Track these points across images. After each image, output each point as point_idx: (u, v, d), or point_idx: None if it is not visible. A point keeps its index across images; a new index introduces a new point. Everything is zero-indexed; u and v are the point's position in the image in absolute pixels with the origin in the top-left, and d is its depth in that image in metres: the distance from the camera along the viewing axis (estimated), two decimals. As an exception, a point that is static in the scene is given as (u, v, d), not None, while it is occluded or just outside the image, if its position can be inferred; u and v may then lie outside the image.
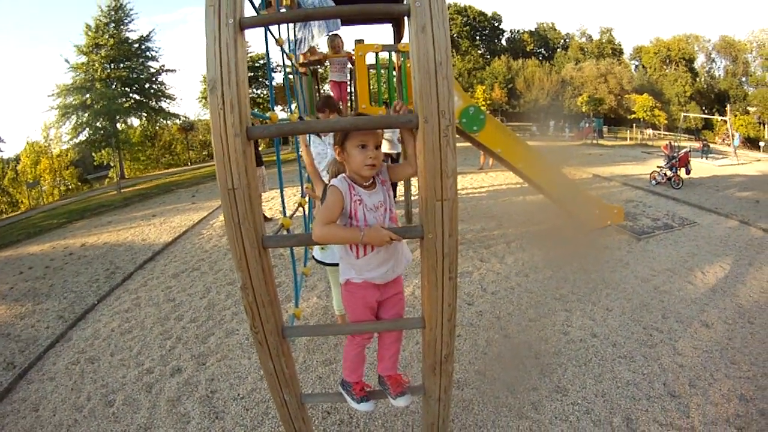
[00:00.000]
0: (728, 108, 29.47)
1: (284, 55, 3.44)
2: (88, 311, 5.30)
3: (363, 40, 5.29)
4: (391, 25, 7.78)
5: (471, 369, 3.59)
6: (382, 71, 5.81)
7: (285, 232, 2.36)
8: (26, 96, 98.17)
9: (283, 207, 2.55)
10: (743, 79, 51.77)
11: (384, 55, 5.59)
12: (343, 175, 1.94)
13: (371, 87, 5.61)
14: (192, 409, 3.30)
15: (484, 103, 44.99)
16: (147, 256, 7.20)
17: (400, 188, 8.61)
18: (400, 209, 8.15)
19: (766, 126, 46.73)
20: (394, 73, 5.69)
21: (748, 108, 45.24)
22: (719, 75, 54.35)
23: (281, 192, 2.64)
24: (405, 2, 1.63)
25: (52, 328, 4.98)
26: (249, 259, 1.74)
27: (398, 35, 7.43)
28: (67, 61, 30.39)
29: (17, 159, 34.21)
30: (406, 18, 1.64)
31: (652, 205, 8.91)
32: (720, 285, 5.12)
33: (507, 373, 3.52)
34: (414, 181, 8.68)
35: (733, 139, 25.38)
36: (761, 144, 35.08)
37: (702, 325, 4.19)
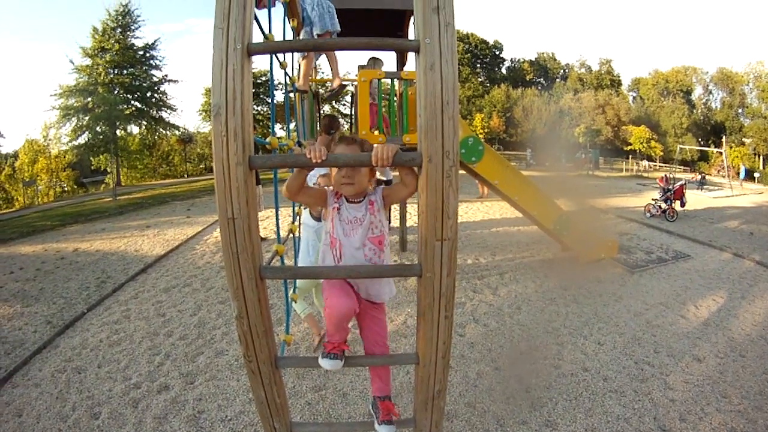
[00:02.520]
0: (724, 140, 29.89)
1: (287, 78, 3.46)
2: (77, 319, 5.24)
3: (366, 67, 5.32)
4: (394, 53, 7.84)
5: (461, 401, 3.56)
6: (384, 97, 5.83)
7: (278, 258, 2.35)
8: (28, 90, 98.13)
9: (278, 232, 2.52)
10: (740, 110, 52.49)
11: (386, 80, 5.62)
12: None
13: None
14: (179, 428, 3.25)
15: (482, 131, 45.42)
16: (139, 267, 7.16)
17: (395, 215, 8.59)
18: (394, 235, 8.15)
19: (760, 157, 47.30)
20: (396, 99, 5.72)
21: (744, 139, 45.83)
22: (716, 107, 55.10)
23: (276, 215, 2.62)
24: (415, 37, 1.62)
25: (40, 332, 4.93)
26: (246, 289, 1.72)
27: (401, 61, 7.50)
28: (71, 62, 30.36)
29: (15, 155, 34.11)
30: (414, 53, 1.64)
31: (647, 238, 8.97)
32: (712, 318, 5.15)
33: (497, 406, 3.49)
34: (410, 209, 8.71)
35: (737, 172, 25.82)
36: (756, 175, 35.50)
37: (694, 359, 4.20)
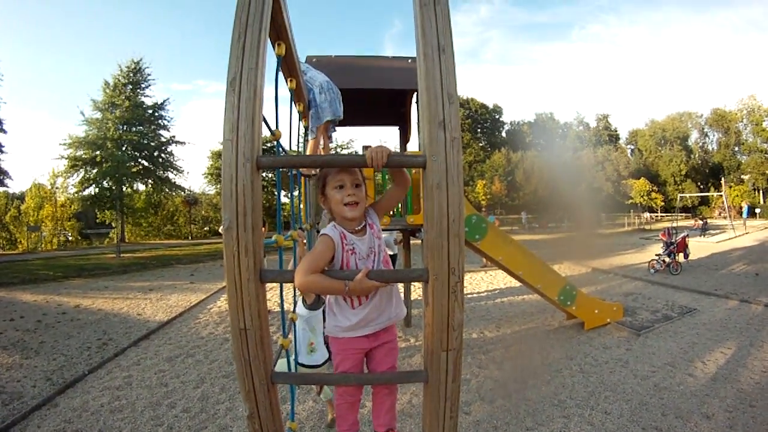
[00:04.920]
0: (723, 181, 30.26)
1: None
2: (77, 380, 5.22)
3: (370, 146, 5.46)
4: (398, 127, 8.14)
5: (468, 483, 3.49)
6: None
7: (284, 351, 2.38)
8: (36, 127, 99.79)
9: (283, 324, 2.53)
10: (736, 148, 53.24)
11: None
12: (334, 222, 1.94)
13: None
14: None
15: (484, 197, 45.75)
16: (142, 333, 7.14)
17: (399, 289, 8.52)
18: None
19: (760, 191, 47.53)
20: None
21: (742, 176, 46.22)
22: (713, 149, 56.03)
23: (282, 309, 2.61)
24: (422, 153, 1.67)
25: (39, 388, 4.95)
26: (257, 393, 1.76)
27: (404, 139, 7.79)
28: (82, 113, 31.13)
29: (22, 197, 34.50)
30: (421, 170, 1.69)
31: (651, 297, 8.95)
32: (721, 372, 5.10)
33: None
34: (415, 284, 8.68)
35: (739, 211, 26.11)
36: (757, 211, 35.55)
37: (702, 418, 4.13)
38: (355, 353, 2.05)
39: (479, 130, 57.43)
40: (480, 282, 11.92)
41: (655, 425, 4.08)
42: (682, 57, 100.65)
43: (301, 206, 4.18)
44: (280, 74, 2.55)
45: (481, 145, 55.89)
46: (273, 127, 2.41)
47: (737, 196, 44.29)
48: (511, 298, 9.66)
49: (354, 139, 37.23)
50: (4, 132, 25.39)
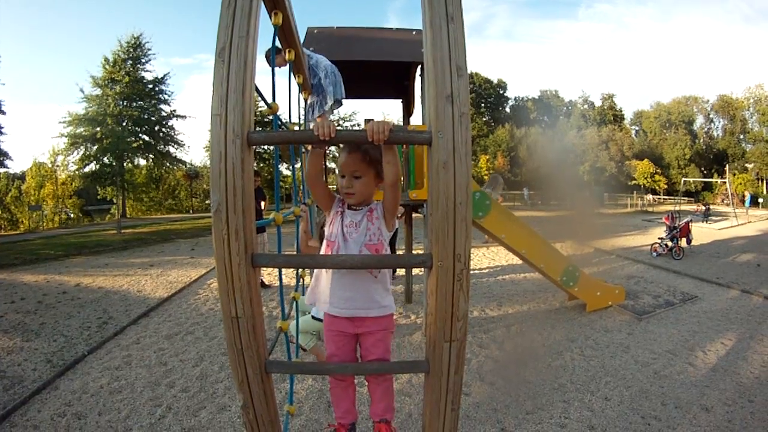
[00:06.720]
0: (727, 168, 30.11)
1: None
2: (77, 361, 5.18)
3: (373, 119, 5.35)
4: (401, 101, 8.02)
5: (467, 467, 3.46)
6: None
7: (282, 335, 2.31)
8: (36, 104, 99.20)
9: (282, 305, 2.44)
10: (741, 137, 53.00)
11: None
12: None
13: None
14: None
15: (487, 172, 45.77)
16: (141, 310, 7.10)
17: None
18: (399, 285, 8.23)
19: (764, 182, 47.43)
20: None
21: (746, 165, 46.09)
22: (718, 135, 55.69)
23: (280, 280, 2.55)
24: (428, 129, 1.55)
25: (39, 371, 4.90)
26: (251, 383, 1.68)
27: (408, 112, 7.63)
28: (81, 90, 30.83)
29: (22, 177, 34.45)
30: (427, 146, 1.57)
31: (654, 281, 8.90)
32: (721, 363, 5.07)
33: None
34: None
35: (742, 199, 26.07)
36: (760, 201, 35.48)
37: (701, 410, 4.09)
38: (338, 336, 2.06)
39: (483, 104, 57.03)
40: (482, 258, 11.88)
41: (654, 414, 4.05)
42: (690, 41, 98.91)
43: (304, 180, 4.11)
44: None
45: (484, 119, 55.62)
46: (270, 101, 2.30)
47: (740, 184, 44.18)
48: (513, 276, 9.61)
49: (357, 111, 36.89)
50: (3, 113, 25.17)
